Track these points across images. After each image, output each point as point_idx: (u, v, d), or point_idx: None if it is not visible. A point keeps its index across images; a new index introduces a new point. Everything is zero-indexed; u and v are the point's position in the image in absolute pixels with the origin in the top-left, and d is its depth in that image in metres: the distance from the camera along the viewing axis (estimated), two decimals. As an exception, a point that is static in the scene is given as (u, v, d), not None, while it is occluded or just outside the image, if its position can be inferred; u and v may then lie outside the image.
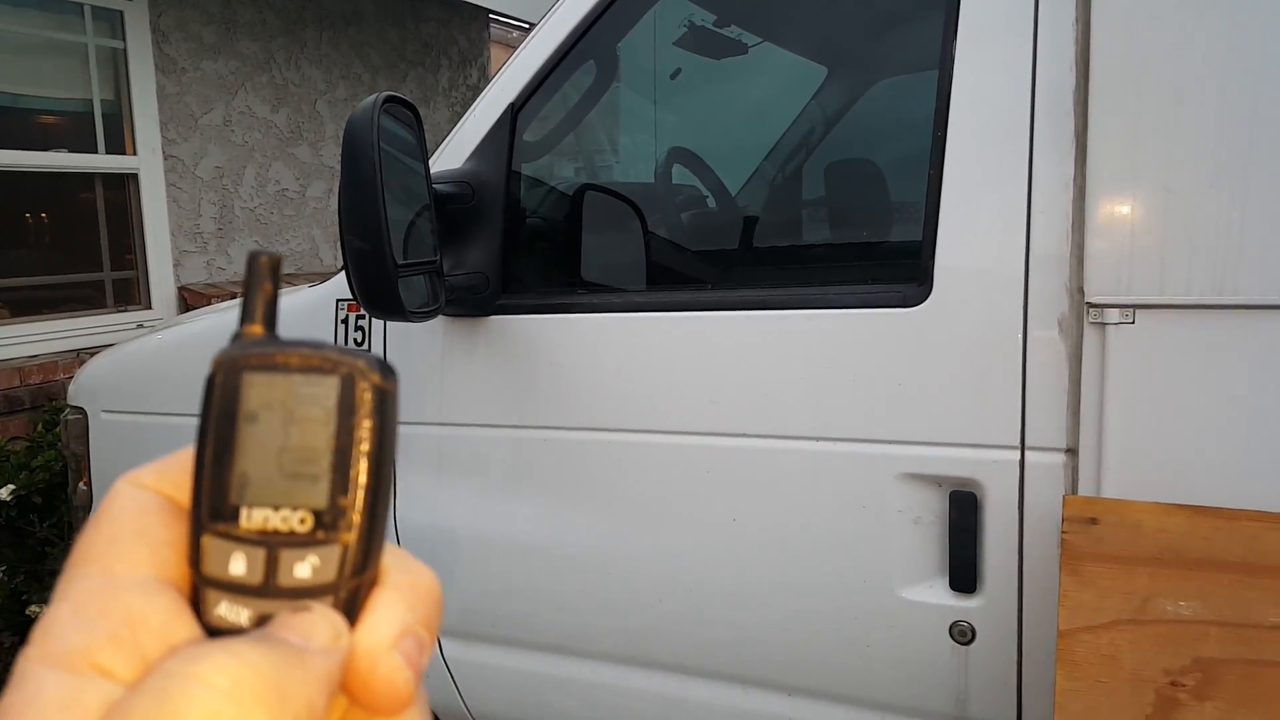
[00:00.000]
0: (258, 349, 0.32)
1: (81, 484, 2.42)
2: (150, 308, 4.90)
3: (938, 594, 1.54)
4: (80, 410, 2.41)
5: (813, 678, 1.66)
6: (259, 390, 0.32)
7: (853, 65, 2.62)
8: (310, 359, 0.32)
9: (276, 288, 0.34)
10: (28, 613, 3.47)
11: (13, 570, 3.61)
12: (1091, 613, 1.27)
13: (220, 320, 2.32)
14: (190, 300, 4.91)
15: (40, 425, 4.02)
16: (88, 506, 2.41)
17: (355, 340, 1.94)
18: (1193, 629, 1.23)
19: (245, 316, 0.33)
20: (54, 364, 4.29)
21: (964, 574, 1.51)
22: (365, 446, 0.32)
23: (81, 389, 2.46)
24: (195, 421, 0.32)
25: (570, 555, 1.81)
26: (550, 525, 1.82)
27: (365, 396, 0.32)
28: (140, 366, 2.39)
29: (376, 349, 1.92)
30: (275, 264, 0.34)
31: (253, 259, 0.34)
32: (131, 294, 4.91)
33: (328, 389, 0.32)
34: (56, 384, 4.24)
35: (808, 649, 1.65)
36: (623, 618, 1.79)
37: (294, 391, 0.32)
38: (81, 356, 4.30)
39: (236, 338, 0.33)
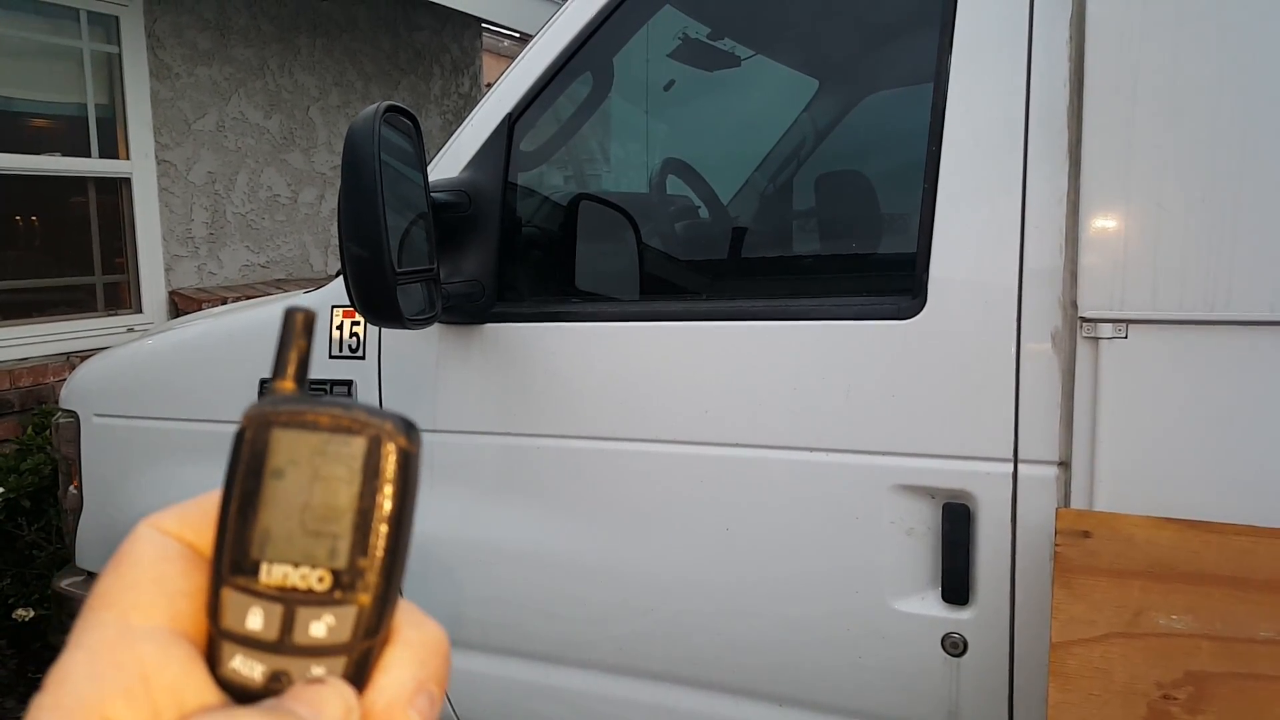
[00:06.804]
0: (288, 406, 0.32)
1: (72, 487, 2.42)
2: (141, 312, 4.88)
3: (930, 606, 1.54)
4: (72, 414, 2.41)
5: (804, 688, 1.66)
6: (287, 447, 0.32)
7: (845, 78, 2.63)
8: (340, 419, 0.32)
9: (310, 344, 0.35)
10: (14, 616, 3.45)
11: (-1, 574, 3.60)
12: (1084, 625, 1.28)
13: (211, 326, 2.31)
14: (181, 305, 4.90)
15: (30, 428, 4.01)
16: (78, 510, 2.40)
17: (350, 346, 1.94)
18: (1184, 642, 1.23)
19: (277, 371, 0.34)
20: (44, 367, 4.28)
21: (956, 586, 1.51)
22: (387, 509, 0.32)
23: (74, 392, 2.46)
24: (222, 473, 0.32)
25: (562, 563, 1.81)
26: (542, 533, 1.82)
27: (390, 459, 0.32)
28: (132, 371, 2.39)
29: (371, 355, 1.92)
30: (310, 321, 0.35)
31: (288, 315, 0.34)
32: (122, 298, 4.89)
33: (354, 449, 0.32)
34: (46, 387, 4.22)
35: (799, 659, 1.65)
36: (614, 626, 1.79)
37: (321, 450, 0.32)
38: (71, 360, 4.28)
39: (267, 392, 0.33)
